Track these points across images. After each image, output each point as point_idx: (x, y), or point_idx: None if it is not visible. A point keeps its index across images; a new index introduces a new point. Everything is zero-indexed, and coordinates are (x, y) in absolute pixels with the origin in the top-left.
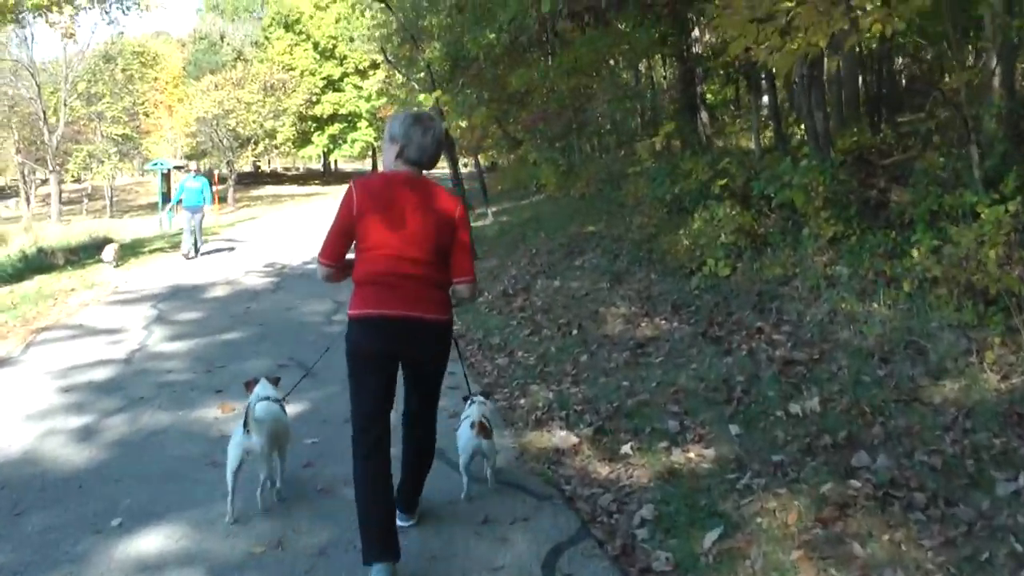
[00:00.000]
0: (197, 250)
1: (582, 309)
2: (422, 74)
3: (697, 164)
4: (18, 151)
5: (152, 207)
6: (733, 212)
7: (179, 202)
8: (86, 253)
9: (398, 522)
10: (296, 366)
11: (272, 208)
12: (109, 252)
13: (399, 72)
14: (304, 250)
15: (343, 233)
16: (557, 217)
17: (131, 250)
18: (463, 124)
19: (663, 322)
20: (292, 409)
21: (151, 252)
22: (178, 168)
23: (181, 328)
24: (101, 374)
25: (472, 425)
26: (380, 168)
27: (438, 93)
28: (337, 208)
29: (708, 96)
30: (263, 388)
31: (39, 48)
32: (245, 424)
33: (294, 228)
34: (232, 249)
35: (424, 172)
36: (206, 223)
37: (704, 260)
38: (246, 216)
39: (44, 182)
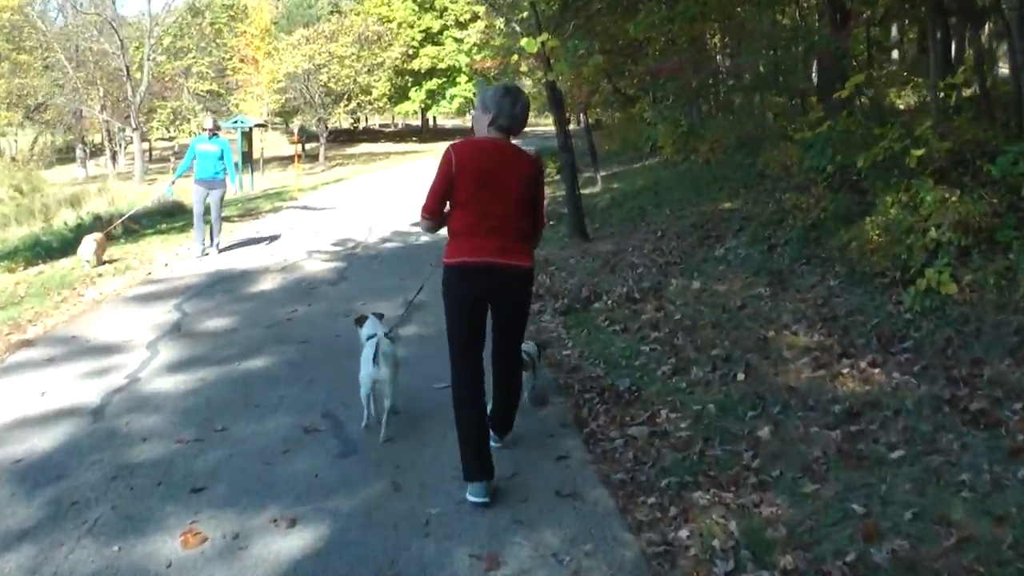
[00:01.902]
0: (215, 243)
1: (741, 331)
2: (525, 14)
3: (891, 128)
4: (102, 108)
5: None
6: (951, 198)
7: (185, 173)
8: (149, 221)
9: (491, 443)
10: (330, 431)
11: (364, 168)
12: (86, 248)
13: (499, 17)
14: (385, 221)
15: (442, 191)
16: (680, 187)
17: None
18: (569, 76)
19: (874, 370)
20: None
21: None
22: (260, 126)
23: (196, 347)
24: (48, 440)
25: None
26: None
27: (545, 37)
28: (436, 169)
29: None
30: (373, 325)
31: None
32: (375, 358)
33: (381, 193)
34: (305, 214)
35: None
36: (231, 200)
37: (913, 266)
38: (333, 177)
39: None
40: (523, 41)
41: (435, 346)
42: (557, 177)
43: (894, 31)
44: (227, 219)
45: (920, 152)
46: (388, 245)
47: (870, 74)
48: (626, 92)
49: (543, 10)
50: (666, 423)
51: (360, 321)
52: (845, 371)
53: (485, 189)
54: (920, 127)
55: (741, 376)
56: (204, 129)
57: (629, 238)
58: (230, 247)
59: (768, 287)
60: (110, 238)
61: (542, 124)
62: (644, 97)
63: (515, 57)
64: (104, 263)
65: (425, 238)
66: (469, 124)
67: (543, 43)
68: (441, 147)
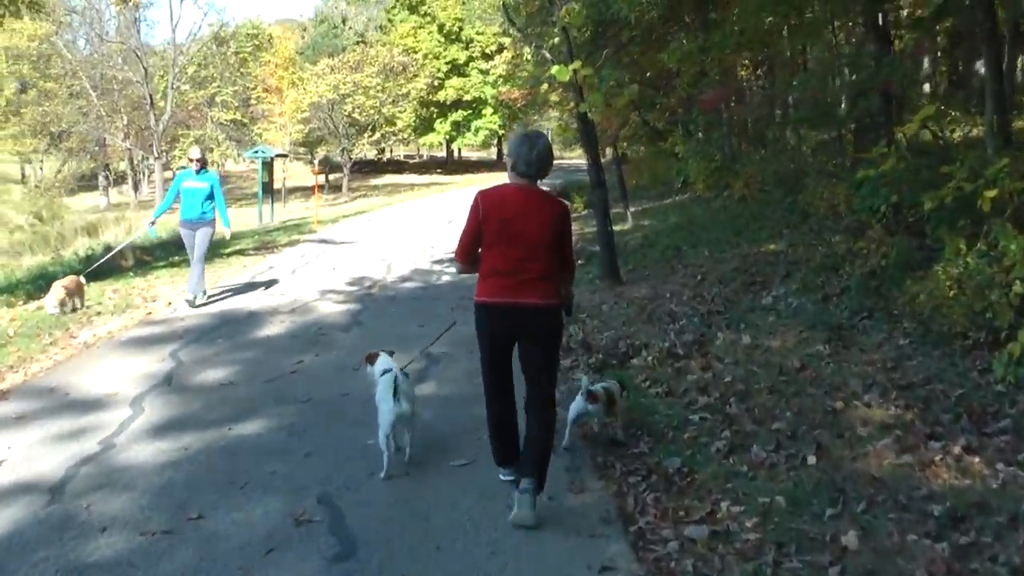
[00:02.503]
0: (196, 292)
1: (803, 399)
2: (556, 40)
3: (960, 167)
4: (126, 136)
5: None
6: None
7: (168, 209)
8: (162, 252)
9: (525, 485)
10: (325, 522)
11: (387, 200)
12: (52, 298)
13: (527, 43)
14: (406, 257)
15: (472, 237)
16: (716, 226)
17: (213, 249)
18: (602, 107)
19: (971, 457)
20: None
21: (232, 255)
22: (281, 156)
23: (185, 404)
24: None
25: (583, 392)
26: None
27: (577, 64)
28: (467, 215)
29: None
30: (386, 361)
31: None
32: (395, 394)
33: (403, 227)
34: (323, 248)
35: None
36: (243, 233)
37: (1000, 326)
38: (355, 209)
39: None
40: (554, 69)
41: (455, 410)
42: (584, 213)
43: (926, 63)
44: (242, 252)
45: (993, 193)
46: (407, 285)
47: (939, 107)
48: (655, 125)
49: (574, 37)
50: (728, 519)
51: (372, 358)
52: (936, 457)
53: (508, 233)
54: (994, 165)
55: (812, 459)
56: (191, 160)
57: (665, 282)
58: (235, 290)
59: (827, 344)
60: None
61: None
62: (674, 130)
63: (545, 87)
64: (75, 310)
65: (447, 278)
66: (494, 156)
67: (575, 71)
68: (465, 179)
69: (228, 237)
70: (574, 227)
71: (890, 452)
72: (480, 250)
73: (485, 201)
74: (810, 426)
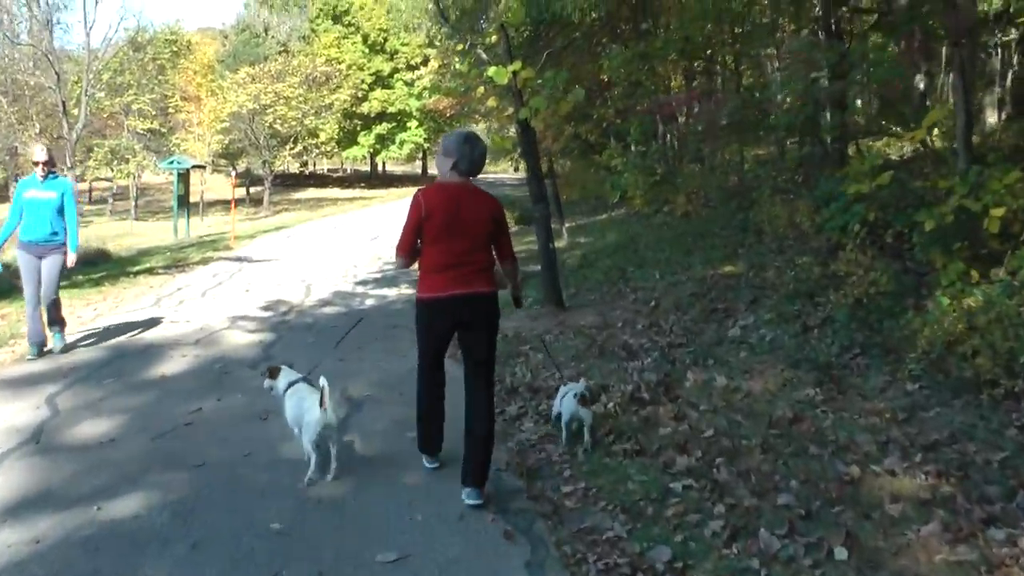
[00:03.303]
0: (55, 340)
1: (808, 462)
2: (493, 38)
3: (962, 183)
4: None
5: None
6: None
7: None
8: (68, 270)
9: (466, 500)
10: None
11: (310, 214)
12: None
13: (460, 42)
14: (327, 278)
15: (414, 232)
16: (661, 244)
17: (120, 267)
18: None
19: None
20: None
21: (140, 273)
22: (199, 167)
23: (50, 473)
24: None
25: (575, 396)
26: (437, 175)
27: (517, 66)
28: (407, 212)
29: None
30: (289, 373)
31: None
32: (322, 403)
33: (324, 244)
34: (238, 267)
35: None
36: (156, 248)
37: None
38: (274, 224)
39: (77, 179)
40: (491, 71)
41: (381, 483)
42: (515, 230)
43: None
44: (151, 270)
45: (1001, 212)
46: (327, 310)
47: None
48: (587, 138)
49: (512, 37)
50: None
51: (274, 372)
52: (1002, 550)
53: (451, 228)
54: (1001, 179)
55: (841, 551)
56: (35, 164)
57: (613, 307)
58: (136, 316)
59: (818, 388)
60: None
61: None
62: (607, 143)
63: (480, 91)
64: None
65: (371, 301)
66: (419, 170)
67: (515, 73)
68: (390, 193)
69: (71, 265)
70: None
71: (939, 543)
72: (420, 246)
73: (427, 198)
74: (826, 501)
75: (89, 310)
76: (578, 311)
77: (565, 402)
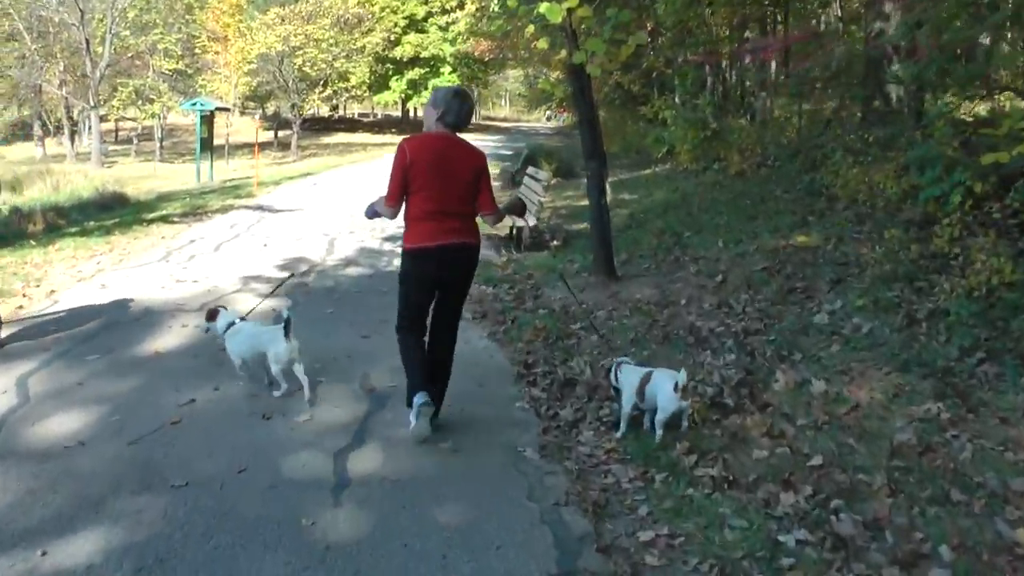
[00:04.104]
0: None
1: (956, 515)
2: None
3: None
4: (62, 84)
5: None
6: None
7: None
8: (81, 214)
9: (422, 399)
10: None
11: (338, 159)
12: None
13: None
14: (352, 232)
15: (399, 181)
16: (718, 206)
17: (136, 213)
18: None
19: None
20: None
21: (154, 221)
22: (223, 109)
23: None
24: None
25: (676, 387)
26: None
27: (573, 2)
28: (392, 162)
29: None
30: (228, 314)
31: None
32: (287, 331)
33: (352, 192)
34: (258, 217)
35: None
36: (177, 192)
37: None
38: (301, 170)
39: (102, 120)
40: (543, 7)
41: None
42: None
43: None
44: (166, 219)
45: None
46: (350, 271)
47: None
48: (629, 88)
49: None
50: None
51: (213, 315)
52: None
53: (436, 178)
54: None
55: None
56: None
57: (672, 280)
58: (140, 272)
59: (940, 402)
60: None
61: (526, 119)
62: (651, 94)
63: (530, 29)
64: None
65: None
66: None
67: (570, 10)
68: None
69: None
70: (548, 198)
71: None
72: (407, 196)
73: (412, 147)
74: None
75: (92, 263)
76: (632, 282)
77: (661, 393)
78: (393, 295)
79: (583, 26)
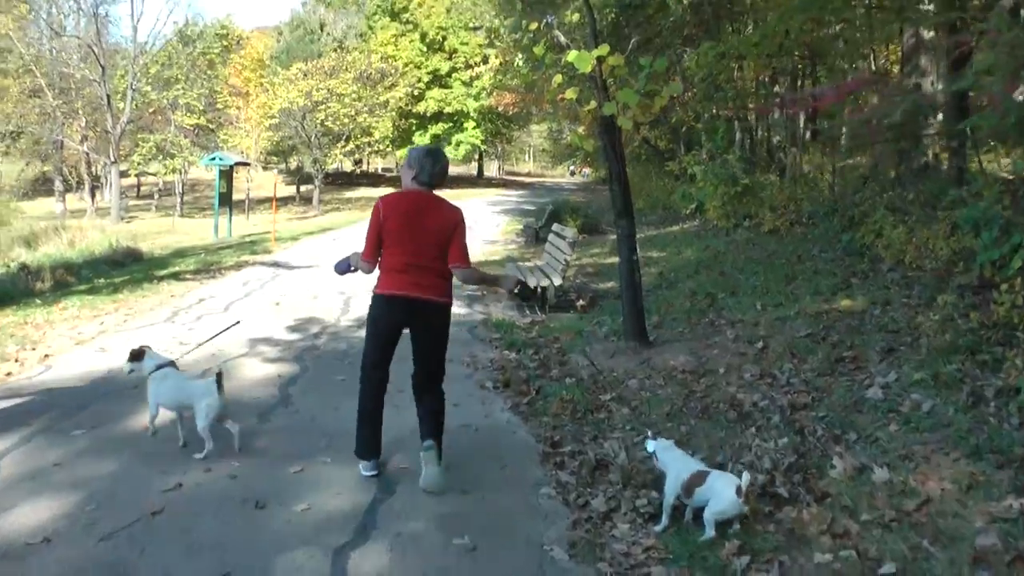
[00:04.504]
0: None
1: None
2: (574, 16)
3: None
4: (83, 139)
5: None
6: None
7: None
8: (91, 271)
9: (428, 445)
10: None
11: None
12: None
13: (531, 21)
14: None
15: (374, 236)
16: (752, 266)
17: (148, 269)
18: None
19: None
20: None
21: (165, 278)
22: (243, 164)
23: None
24: None
25: (738, 491)
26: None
27: (604, 50)
28: (369, 219)
29: None
30: (156, 356)
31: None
32: (220, 387)
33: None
34: (273, 274)
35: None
36: (190, 247)
37: None
38: (320, 225)
39: (122, 175)
40: (572, 55)
41: None
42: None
43: None
44: (178, 275)
45: None
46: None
47: None
48: (656, 143)
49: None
50: None
51: (138, 355)
52: None
53: (406, 234)
54: None
55: None
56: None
57: (709, 345)
58: (160, 325)
59: (1019, 496)
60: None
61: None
62: (677, 149)
63: (558, 79)
64: None
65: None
66: (475, 172)
67: (599, 59)
68: (444, 194)
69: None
70: (574, 256)
71: None
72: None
73: (386, 204)
74: None
75: (95, 324)
76: (666, 348)
77: (718, 498)
78: (407, 361)
79: (614, 76)
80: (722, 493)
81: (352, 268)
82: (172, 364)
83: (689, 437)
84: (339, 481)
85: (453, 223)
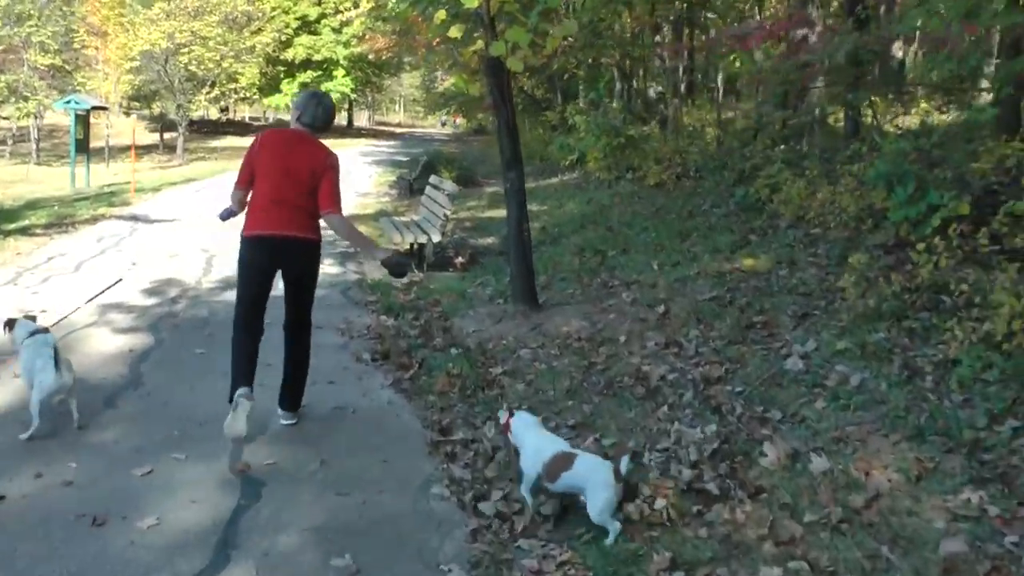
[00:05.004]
0: None
1: None
2: None
3: None
4: None
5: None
6: None
7: None
8: None
9: (282, 421)
10: None
11: (226, 164)
12: None
13: None
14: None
15: (246, 168)
16: (641, 222)
17: None
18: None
19: None
20: None
21: (13, 233)
22: (100, 108)
23: None
24: None
25: (617, 475)
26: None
27: None
28: (246, 151)
29: None
30: (28, 324)
31: None
32: (57, 362)
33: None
34: (130, 229)
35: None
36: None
37: None
38: (184, 175)
39: None
40: None
41: None
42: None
43: None
44: (28, 230)
45: None
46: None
47: None
48: (533, 93)
49: None
50: None
51: (10, 324)
52: None
53: (277, 169)
54: None
55: None
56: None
57: (604, 309)
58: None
59: (980, 490)
60: None
61: (420, 125)
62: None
63: (440, 16)
64: None
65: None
66: (344, 122)
67: None
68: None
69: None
70: (452, 210)
71: None
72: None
73: (262, 138)
74: None
75: None
76: (557, 311)
77: (598, 482)
78: (278, 329)
79: (503, 12)
80: (599, 481)
81: (235, 212)
82: (45, 331)
83: (593, 418)
84: (194, 483)
85: (324, 165)
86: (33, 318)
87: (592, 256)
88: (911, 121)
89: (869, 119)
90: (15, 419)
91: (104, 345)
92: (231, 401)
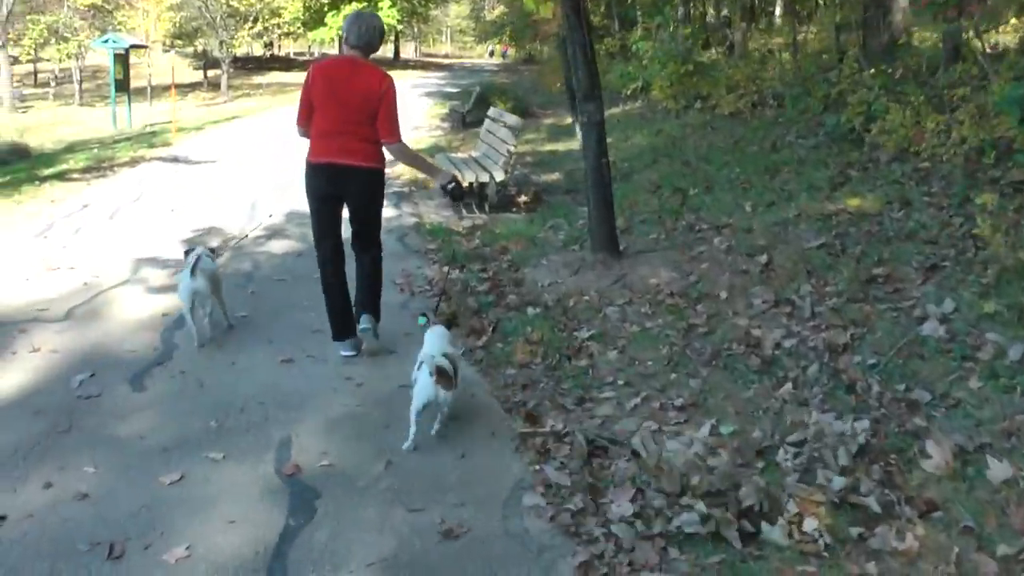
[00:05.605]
0: None
1: None
2: None
3: None
4: None
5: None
6: None
7: None
8: None
9: (364, 324)
10: None
11: (271, 101)
12: None
13: None
14: (280, 193)
15: (305, 101)
16: (721, 155)
17: (33, 167)
18: None
19: None
20: None
21: (51, 178)
22: (139, 47)
23: None
24: None
25: (431, 372)
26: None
27: None
28: (302, 84)
29: None
30: (196, 250)
31: None
32: (193, 271)
33: (283, 140)
34: (171, 172)
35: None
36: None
37: None
38: (229, 113)
39: (15, 61)
40: None
41: None
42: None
43: None
44: (65, 174)
45: None
46: (275, 247)
47: None
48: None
49: None
50: None
51: (187, 252)
52: None
53: (333, 99)
54: None
55: None
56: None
57: (693, 257)
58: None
59: None
60: None
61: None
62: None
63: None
64: None
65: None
66: (391, 55)
67: None
68: None
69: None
70: (515, 145)
71: None
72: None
73: (315, 69)
74: None
75: None
76: (641, 260)
77: (419, 378)
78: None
79: None
80: (418, 382)
81: None
82: (211, 256)
83: (704, 395)
84: (233, 494)
85: (380, 90)
86: (213, 251)
87: (671, 195)
88: (1005, 39)
89: (971, 38)
90: (33, 408)
91: (135, 309)
92: (333, 337)
